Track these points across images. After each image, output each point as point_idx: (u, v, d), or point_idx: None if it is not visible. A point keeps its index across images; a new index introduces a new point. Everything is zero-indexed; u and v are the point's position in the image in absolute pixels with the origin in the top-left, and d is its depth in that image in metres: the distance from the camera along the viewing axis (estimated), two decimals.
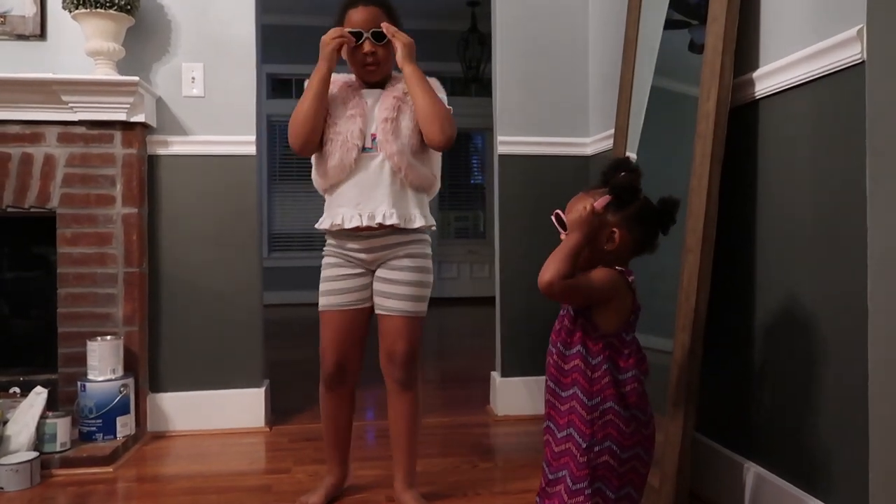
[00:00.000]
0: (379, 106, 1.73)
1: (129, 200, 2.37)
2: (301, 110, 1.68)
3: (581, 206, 1.26)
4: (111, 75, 2.34)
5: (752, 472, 1.63)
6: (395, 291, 1.74)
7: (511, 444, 2.37)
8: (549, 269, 1.20)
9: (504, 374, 2.66)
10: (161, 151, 2.50)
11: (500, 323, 2.68)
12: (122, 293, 2.36)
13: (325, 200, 1.79)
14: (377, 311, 1.77)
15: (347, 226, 1.69)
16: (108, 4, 2.28)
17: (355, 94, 1.75)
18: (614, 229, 1.24)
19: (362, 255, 1.74)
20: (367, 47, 1.71)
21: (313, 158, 1.78)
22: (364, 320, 1.79)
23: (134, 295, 2.37)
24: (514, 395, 2.64)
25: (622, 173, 1.25)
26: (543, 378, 1.34)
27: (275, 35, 5.80)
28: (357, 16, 1.72)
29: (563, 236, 1.28)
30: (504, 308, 2.67)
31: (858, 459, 1.33)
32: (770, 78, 1.59)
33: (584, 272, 1.24)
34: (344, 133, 1.69)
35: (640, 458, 1.24)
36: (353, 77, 1.78)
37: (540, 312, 2.52)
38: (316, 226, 1.78)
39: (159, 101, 2.50)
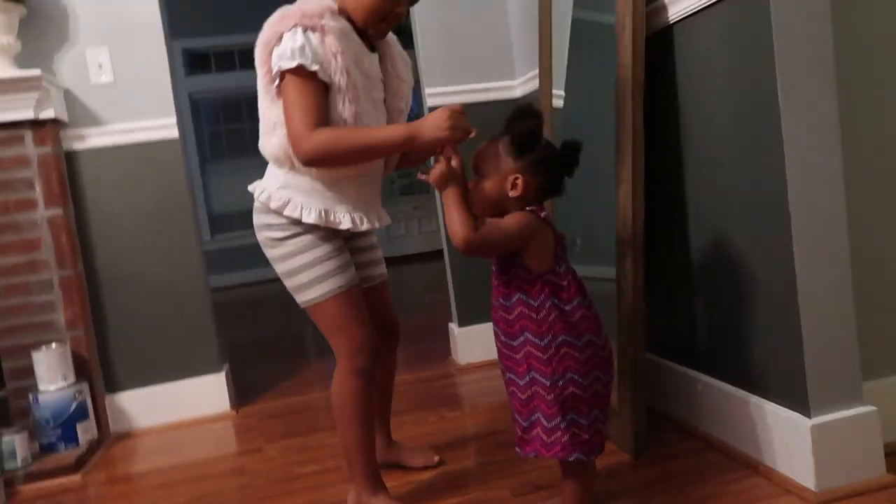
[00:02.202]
0: (390, 93, 1.50)
1: (51, 201, 2.27)
2: (360, 151, 1.35)
3: (490, 153, 1.29)
4: (10, 71, 2.20)
5: (702, 382, 1.71)
6: (378, 257, 1.64)
7: (476, 391, 2.42)
8: (454, 231, 1.24)
9: (461, 324, 2.70)
10: (78, 146, 2.39)
11: (451, 274, 2.70)
12: (60, 298, 2.28)
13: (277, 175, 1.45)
14: (365, 285, 1.56)
15: (346, 227, 1.45)
16: None
17: (371, 66, 1.42)
18: (518, 175, 1.25)
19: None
20: (401, 9, 1.41)
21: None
22: None
23: (73, 298, 2.29)
24: (474, 343, 2.68)
25: (522, 120, 1.26)
26: None
27: (184, 8, 5.53)
28: None
29: (472, 184, 1.31)
30: (453, 259, 2.69)
31: (791, 358, 1.41)
32: (680, 2, 1.60)
33: (495, 222, 1.26)
34: (371, 112, 1.43)
35: (601, 380, 1.28)
36: (329, 5, 1.38)
37: (488, 262, 2.55)
38: (285, 212, 1.40)
39: (67, 93, 2.38)
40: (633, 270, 1.67)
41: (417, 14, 2.62)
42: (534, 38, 2.38)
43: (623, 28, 1.67)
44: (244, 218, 7.22)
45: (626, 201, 1.68)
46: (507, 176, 1.26)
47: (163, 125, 2.45)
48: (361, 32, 1.41)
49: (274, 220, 1.43)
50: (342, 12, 1.39)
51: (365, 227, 1.47)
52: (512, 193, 1.26)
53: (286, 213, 1.40)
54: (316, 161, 1.35)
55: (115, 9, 2.41)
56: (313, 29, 1.31)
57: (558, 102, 2.23)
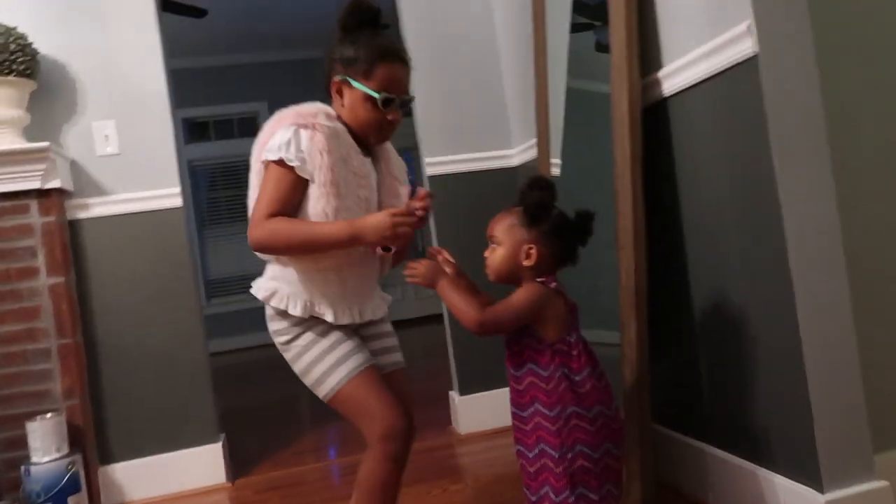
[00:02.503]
0: (385, 191, 1.51)
1: (53, 270, 2.27)
2: (301, 243, 1.37)
3: (506, 223, 1.32)
4: (19, 144, 2.25)
5: (710, 454, 1.69)
6: (390, 344, 1.56)
7: (479, 462, 2.37)
8: (462, 317, 1.26)
9: (462, 392, 2.67)
10: (82, 215, 2.41)
11: (452, 341, 2.69)
12: (57, 367, 2.25)
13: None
14: (383, 372, 1.49)
15: (329, 320, 1.43)
16: (6, 71, 2.19)
17: (361, 166, 1.44)
18: (531, 245, 1.28)
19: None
20: (394, 115, 1.42)
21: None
22: None
23: (71, 367, 2.27)
24: (476, 412, 2.65)
25: (535, 191, 1.30)
26: (502, 390, 1.36)
27: (186, 79, 5.69)
28: (400, 73, 1.42)
29: (487, 252, 1.34)
30: (453, 325, 2.69)
31: (800, 430, 1.40)
32: (674, 77, 1.67)
33: (505, 302, 1.28)
34: (354, 208, 1.42)
35: (611, 452, 1.27)
36: (337, 121, 1.42)
37: None
38: (272, 303, 1.42)
39: (73, 164, 2.42)
40: (637, 338, 1.68)
41: (416, 84, 2.70)
42: (530, 107, 2.45)
43: (619, 101, 1.73)
44: (239, 283, 7.20)
45: (628, 267, 1.70)
46: (520, 246, 1.28)
47: (167, 194, 2.48)
48: (358, 137, 1.44)
49: (278, 325, 1.45)
50: (340, 119, 1.43)
51: (346, 320, 1.45)
52: (526, 263, 1.28)
53: (273, 304, 1.42)
54: (260, 247, 1.38)
55: (122, 83, 2.48)
56: (305, 126, 1.36)
57: (556, 170, 2.28)
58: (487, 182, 2.70)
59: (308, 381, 1.44)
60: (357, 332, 1.50)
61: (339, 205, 1.38)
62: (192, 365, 2.47)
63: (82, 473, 2.21)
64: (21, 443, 2.16)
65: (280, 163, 1.34)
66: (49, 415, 2.18)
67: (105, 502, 2.35)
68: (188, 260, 2.50)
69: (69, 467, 2.15)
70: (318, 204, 1.37)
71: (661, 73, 1.71)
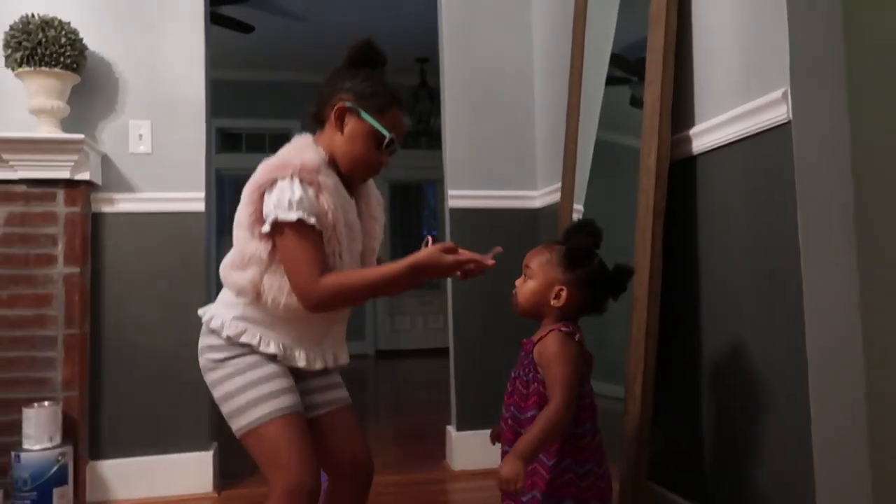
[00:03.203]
0: (366, 235, 1.48)
1: (71, 260, 2.30)
2: (366, 293, 1.36)
3: (543, 258, 1.31)
4: (55, 133, 2.29)
5: None
6: (336, 381, 1.51)
7: (468, 501, 2.32)
8: (555, 428, 1.21)
9: (459, 428, 2.64)
10: (106, 209, 2.45)
11: (455, 375, 2.67)
12: (61, 356, 2.26)
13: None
14: (322, 410, 1.46)
15: (301, 366, 1.40)
16: (52, 63, 2.25)
17: (354, 219, 1.42)
18: (563, 287, 1.27)
19: None
20: (386, 158, 1.43)
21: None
22: None
23: (74, 358, 2.27)
24: (471, 449, 2.61)
25: (581, 235, 1.29)
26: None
27: (224, 90, 5.81)
28: (399, 119, 1.43)
29: (519, 281, 1.32)
30: (458, 360, 2.66)
31: (800, 501, 1.36)
32: (705, 136, 1.67)
33: (551, 376, 1.24)
34: (349, 264, 1.40)
35: None
36: (324, 157, 1.39)
37: (495, 363, 2.52)
38: (242, 339, 1.36)
39: (105, 159, 2.46)
40: (641, 393, 1.65)
41: (448, 118, 2.73)
42: (559, 152, 2.47)
43: (648, 154, 1.74)
44: None
45: (640, 321, 1.69)
46: (553, 284, 1.28)
47: (191, 198, 2.51)
48: (343, 178, 1.42)
49: (216, 340, 1.39)
50: (331, 160, 1.40)
51: (319, 366, 1.42)
52: (554, 303, 1.27)
53: (243, 340, 1.36)
54: (325, 307, 1.34)
55: (164, 86, 2.53)
56: (311, 183, 1.32)
57: (577, 216, 2.28)
58: (509, 220, 2.71)
59: (226, 408, 1.36)
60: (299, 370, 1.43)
61: (337, 265, 1.36)
62: (192, 371, 2.45)
63: (71, 466, 2.20)
64: (15, 428, 2.16)
65: (297, 223, 1.30)
66: (46, 403, 2.18)
67: (90, 498, 2.33)
68: (202, 265, 2.52)
69: (59, 458, 2.14)
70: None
71: (692, 131, 1.71)
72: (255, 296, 1.36)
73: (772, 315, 1.47)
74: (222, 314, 1.40)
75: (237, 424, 1.35)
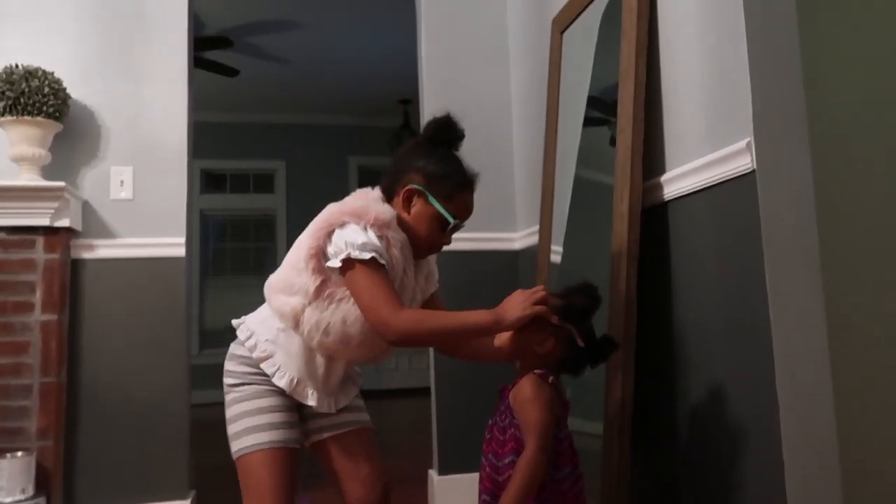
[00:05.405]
0: (412, 298, 1.51)
1: (48, 307, 2.29)
2: (447, 332, 1.38)
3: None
4: (35, 181, 2.30)
5: None
6: (359, 403, 1.56)
7: None
8: (535, 475, 1.22)
9: (441, 472, 2.62)
10: (86, 255, 2.45)
11: (437, 418, 2.66)
12: (36, 405, 2.23)
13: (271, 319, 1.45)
14: (340, 431, 1.49)
15: (308, 403, 1.45)
16: (35, 112, 2.27)
17: (411, 281, 1.47)
18: (550, 338, 1.28)
19: None
20: (450, 239, 1.48)
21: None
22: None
23: (50, 407, 2.24)
24: (454, 494, 2.58)
25: (583, 297, 1.31)
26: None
27: (209, 131, 5.86)
28: (466, 203, 1.48)
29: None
30: (440, 402, 2.66)
31: None
32: (676, 182, 1.71)
33: (525, 421, 1.26)
34: None
35: None
36: (394, 214, 1.42)
37: (478, 406, 2.51)
38: (262, 365, 1.43)
39: (86, 205, 2.47)
40: (618, 438, 1.66)
41: None
42: (536, 194, 2.51)
43: (621, 200, 1.78)
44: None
45: (616, 366, 1.70)
46: (541, 332, 1.29)
47: (171, 243, 2.52)
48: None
49: (236, 367, 1.46)
50: (401, 224, 1.43)
51: (325, 409, 1.47)
52: (537, 349, 1.28)
53: (262, 366, 1.42)
54: (406, 337, 1.32)
55: (146, 132, 2.56)
56: (381, 235, 1.36)
57: (556, 258, 2.31)
58: (488, 262, 2.73)
59: (229, 430, 1.44)
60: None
61: None
62: (172, 417, 2.44)
63: None
64: None
65: (373, 261, 1.32)
66: (20, 453, 2.15)
67: None
68: (183, 311, 2.51)
69: None
70: None
71: (663, 178, 1.76)
72: (294, 324, 1.40)
73: (744, 357, 1.49)
74: (258, 334, 1.45)
75: (232, 448, 1.43)
